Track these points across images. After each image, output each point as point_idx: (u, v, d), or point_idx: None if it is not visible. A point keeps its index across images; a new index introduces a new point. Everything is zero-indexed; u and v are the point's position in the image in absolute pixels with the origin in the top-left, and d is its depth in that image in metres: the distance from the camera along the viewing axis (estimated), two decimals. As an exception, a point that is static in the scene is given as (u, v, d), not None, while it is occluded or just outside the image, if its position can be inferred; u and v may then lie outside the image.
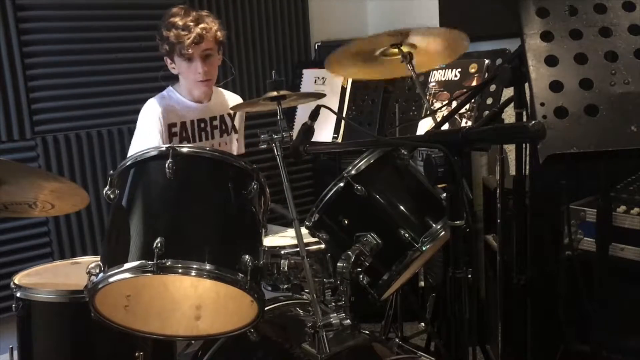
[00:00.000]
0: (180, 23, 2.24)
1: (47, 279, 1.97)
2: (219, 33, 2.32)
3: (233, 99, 2.61)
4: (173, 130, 2.35)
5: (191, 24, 2.24)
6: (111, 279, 1.49)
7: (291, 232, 2.17)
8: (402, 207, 1.70)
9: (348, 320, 1.66)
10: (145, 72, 2.96)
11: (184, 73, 2.34)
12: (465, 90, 2.30)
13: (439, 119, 2.19)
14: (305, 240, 1.73)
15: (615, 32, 1.28)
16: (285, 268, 1.78)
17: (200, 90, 2.39)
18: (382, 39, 2.09)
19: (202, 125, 2.45)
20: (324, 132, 2.98)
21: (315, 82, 3.20)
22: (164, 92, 2.41)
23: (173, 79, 2.45)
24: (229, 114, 2.55)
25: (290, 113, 3.10)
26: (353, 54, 2.18)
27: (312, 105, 1.82)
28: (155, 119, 2.30)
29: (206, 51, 2.29)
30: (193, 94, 2.41)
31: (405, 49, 2.09)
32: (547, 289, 1.92)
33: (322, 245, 1.87)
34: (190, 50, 2.24)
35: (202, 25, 2.25)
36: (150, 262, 1.44)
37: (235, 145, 2.62)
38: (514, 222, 1.81)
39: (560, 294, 1.92)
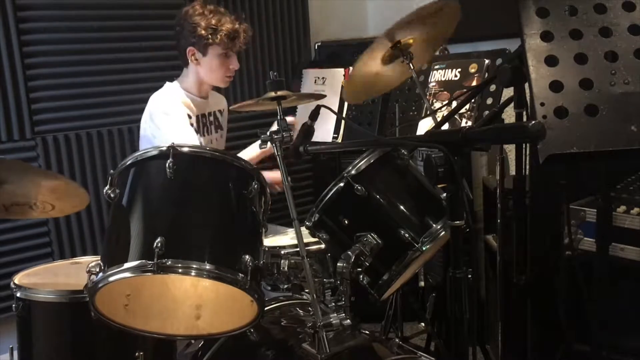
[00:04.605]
0: (230, 18, 2.33)
1: (47, 279, 1.97)
2: (250, 36, 2.43)
3: (220, 97, 2.69)
4: (190, 121, 2.39)
5: (237, 21, 2.34)
6: (111, 279, 1.49)
7: (291, 232, 2.17)
8: (402, 207, 1.70)
9: (348, 320, 1.66)
10: (145, 72, 2.96)
11: (214, 67, 2.36)
12: (465, 90, 2.30)
13: (439, 119, 2.19)
14: (305, 240, 1.73)
15: (615, 32, 1.28)
16: (285, 268, 1.78)
17: (222, 85, 2.46)
18: (378, 50, 2.08)
19: (204, 120, 2.50)
20: (324, 132, 2.98)
21: (315, 82, 3.20)
22: (170, 87, 2.41)
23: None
24: (220, 111, 2.61)
25: (290, 113, 3.10)
26: (365, 76, 2.18)
27: (312, 105, 1.83)
28: (182, 106, 2.34)
29: (241, 49, 2.40)
30: (201, 89, 2.44)
31: (405, 41, 2.09)
32: (547, 289, 1.92)
33: (322, 245, 1.87)
34: (239, 45, 2.34)
35: (244, 25, 2.37)
36: (150, 262, 1.45)
37: (222, 143, 2.67)
38: (514, 222, 1.81)
39: (560, 294, 1.92)
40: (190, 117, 2.38)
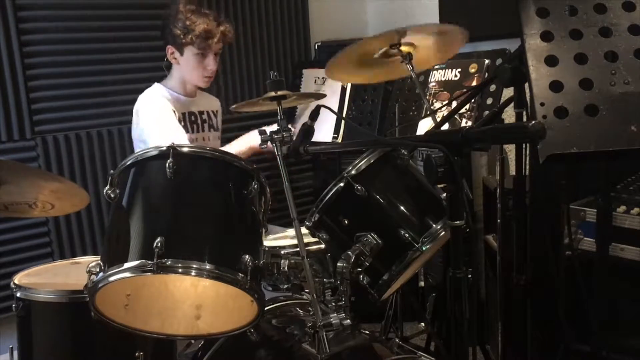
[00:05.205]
0: (207, 18, 2.33)
1: (47, 279, 1.97)
2: (232, 37, 2.45)
3: (213, 99, 2.70)
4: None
5: (215, 22, 2.35)
6: (111, 278, 1.49)
7: (291, 232, 2.17)
8: (402, 207, 1.70)
9: (348, 320, 1.66)
10: (145, 72, 2.95)
11: (191, 66, 2.37)
12: (465, 90, 2.31)
13: (439, 119, 2.19)
14: (305, 240, 1.73)
15: (615, 32, 1.28)
16: (285, 268, 1.78)
17: (201, 85, 2.47)
18: (380, 40, 2.08)
19: (193, 118, 2.52)
20: (324, 132, 2.98)
21: (315, 82, 3.20)
22: (154, 87, 2.44)
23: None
24: (214, 112, 2.63)
25: (290, 113, 3.10)
26: (353, 59, 2.18)
27: (312, 105, 1.83)
28: (165, 104, 2.35)
29: (220, 50, 2.40)
30: (186, 88, 2.46)
31: (404, 48, 2.09)
32: (547, 289, 1.92)
33: (322, 245, 1.87)
34: (215, 46, 2.34)
35: (224, 26, 2.38)
36: (150, 262, 1.44)
37: (218, 143, 2.68)
38: (514, 222, 1.81)
39: (560, 294, 1.92)
40: (175, 113, 2.39)
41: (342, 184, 1.68)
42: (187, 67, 2.39)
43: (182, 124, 2.43)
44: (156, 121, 2.32)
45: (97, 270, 1.53)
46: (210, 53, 2.36)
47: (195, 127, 2.51)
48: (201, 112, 2.54)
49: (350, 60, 2.19)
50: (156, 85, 2.45)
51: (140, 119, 2.37)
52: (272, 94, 1.79)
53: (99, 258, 1.59)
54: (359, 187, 1.65)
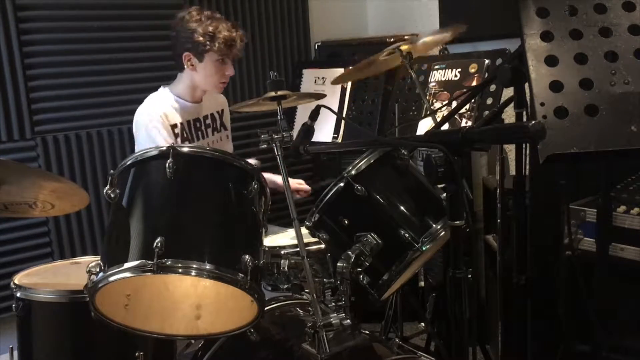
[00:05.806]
0: (226, 24, 2.31)
1: (47, 279, 1.97)
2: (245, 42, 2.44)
3: (218, 96, 2.64)
4: (175, 131, 2.36)
5: (233, 28, 2.33)
6: (111, 278, 1.49)
7: (291, 232, 2.17)
8: (402, 207, 1.70)
9: (348, 320, 1.66)
10: (145, 72, 2.96)
11: (209, 73, 2.34)
12: (465, 90, 2.31)
13: (439, 119, 2.19)
14: (305, 240, 1.73)
15: (615, 32, 1.28)
16: (285, 268, 1.78)
17: (216, 91, 2.45)
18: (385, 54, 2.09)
19: (198, 124, 2.48)
20: (324, 132, 2.98)
21: (315, 82, 3.20)
22: (160, 93, 2.40)
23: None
24: (218, 112, 2.58)
25: (290, 113, 3.11)
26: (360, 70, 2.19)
27: (312, 105, 1.83)
28: (159, 120, 2.30)
29: (237, 56, 2.40)
30: (194, 94, 2.42)
31: (404, 47, 2.10)
32: (547, 289, 1.92)
33: (322, 245, 1.87)
34: (236, 52, 2.34)
35: (240, 31, 2.36)
36: (150, 262, 1.44)
37: (228, 143, 2.65)
38: (514, 222, 1.81)
39: (560, 294, 1.92)
40: (176, 126, 2.35)
41: (342, 184, 1.68)
42: (205, 74, 2.34)
43: (186, 133, 2.39)
44: (144, 134, 2.30)
45: (97, 270, 1.53)
46: (229, 59, 2.34)
47: (200, 133, 2.48)
48: (205, 117, 2.51)
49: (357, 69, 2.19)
50: (161, 90, 2.41)
51: (134, 127, 2.36)
52: (272, 94, 1.79)
53: (99, 258, 1.60)
54: (359, 187, 1.66)
